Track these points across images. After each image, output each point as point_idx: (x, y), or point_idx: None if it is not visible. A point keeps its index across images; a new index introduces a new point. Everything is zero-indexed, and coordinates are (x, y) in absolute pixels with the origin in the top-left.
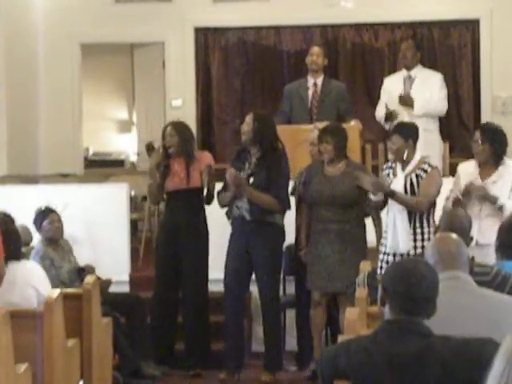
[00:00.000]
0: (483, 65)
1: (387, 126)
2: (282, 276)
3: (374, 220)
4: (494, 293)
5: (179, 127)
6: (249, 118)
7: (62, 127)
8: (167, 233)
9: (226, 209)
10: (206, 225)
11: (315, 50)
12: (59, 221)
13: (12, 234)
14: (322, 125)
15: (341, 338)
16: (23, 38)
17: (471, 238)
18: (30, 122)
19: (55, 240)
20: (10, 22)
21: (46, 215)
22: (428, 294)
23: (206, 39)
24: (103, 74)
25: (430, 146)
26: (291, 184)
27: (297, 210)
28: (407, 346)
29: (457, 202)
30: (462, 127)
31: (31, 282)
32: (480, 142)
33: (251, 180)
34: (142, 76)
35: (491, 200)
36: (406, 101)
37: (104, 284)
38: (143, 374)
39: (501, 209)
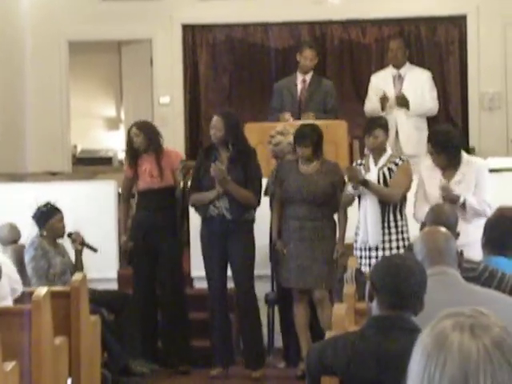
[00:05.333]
0: (470, 61)
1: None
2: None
3: (339, 218)
4: (483, 289)
5: (142, 126)
6: (216, 121)
7: (50, 125)
8: (141, 232)
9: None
10: (182, 222)
11: (308, 53)
12: (63, 219)
13: None
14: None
15: (328, 334)
16: (10, 36)
17: (458, 234)
18: (18, 120)
19: (57, 238)
20: None
21: (53, 213)
22: (416, 289)
23: (194, 36)
24: (91, 72)
25: (421, 143)
26: (264, 183)
27: (271, 208)
28: (394, 342)
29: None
30: (450, 123)
31: (3, 269)
32: (434, 153)
33: (228, 178)
34: (129, 73)
35: (454, 198)
36: (401, 102)
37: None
38: (132, 371)
39: (463, 206)
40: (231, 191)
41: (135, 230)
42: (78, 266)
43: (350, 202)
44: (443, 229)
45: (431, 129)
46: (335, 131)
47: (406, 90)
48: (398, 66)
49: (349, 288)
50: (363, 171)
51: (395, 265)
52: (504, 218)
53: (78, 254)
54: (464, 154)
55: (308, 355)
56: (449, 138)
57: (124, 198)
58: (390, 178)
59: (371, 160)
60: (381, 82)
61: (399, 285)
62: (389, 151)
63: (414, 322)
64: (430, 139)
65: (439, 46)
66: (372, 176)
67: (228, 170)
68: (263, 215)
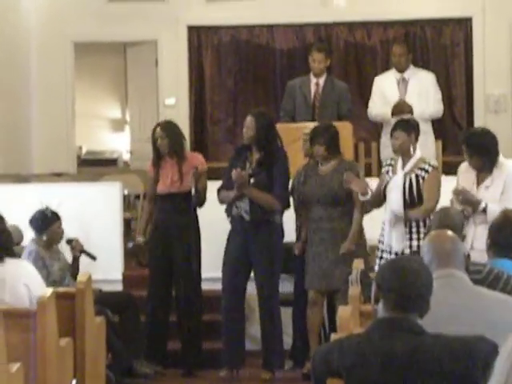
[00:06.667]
0: (476, 63)
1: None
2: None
3: (354, 216)
4: (490, 291)
5: (168, 128)
6: (249, 121)
7: (55, 126)
8: (159, 234)
9: (223, 206)
10: (198, 226)
11: (316, 56)
12: (62, 224)
13: (3, 233)
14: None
15: (334, 337)
16: (15, 37)
17: (464, 236)
18: (23, 122)
19: (55, 243)
20: (1, 20)
21: (54, 220)
22: (422, 291)
23: (199, 38)
24: (96, 73)
25: (426, 147)
26: (290, 183)
27: (296, 209)
28: (400, 344)
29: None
30: (455, 126)
31: (23, 280)
32: (469, 156)
33: (252, 180)
34: (135, 75)
35: (474, 204)
36: (404, 108)
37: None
38: (136, 372)
39: (484, 211)
40: (250, 197)
41: (153, 232)
42: (74, 271)
43: (378, 205)
44: (450, 232)
45: (467, 131)
46: (340, 133)
47: (410, 94)
48: (401, 70)
49: (354, 290)
50: (390, 173)
51: (401, 267)
52: (508, 221)
53: (76, 260)
54: (501, 158)
55: (313, 357)
56: (482, 142)
57: (149, 198)
58: (418, 185)
59: (400, 163)
60: (385, 85)
61: (405, 287)
62: (417, 154)
63: (420, 325)
64: (463, 141)
65: (445, 48)
66: (397, 180)
67: (255, 173)
68: (286, 216)
